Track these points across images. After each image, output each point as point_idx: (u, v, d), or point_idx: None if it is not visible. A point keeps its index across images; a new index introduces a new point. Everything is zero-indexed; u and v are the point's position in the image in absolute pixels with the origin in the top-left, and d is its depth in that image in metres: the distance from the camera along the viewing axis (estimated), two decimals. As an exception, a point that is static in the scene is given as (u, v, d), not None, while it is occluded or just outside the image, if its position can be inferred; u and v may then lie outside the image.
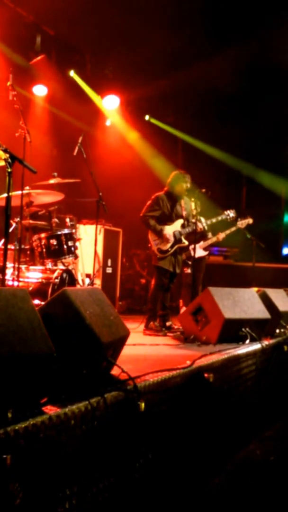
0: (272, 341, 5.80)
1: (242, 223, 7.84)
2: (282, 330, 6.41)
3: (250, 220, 7.87)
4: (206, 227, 7.39)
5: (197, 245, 7.78)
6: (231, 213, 7.58)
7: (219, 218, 7.52)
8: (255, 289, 6.45)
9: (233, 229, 7.93)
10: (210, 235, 8.10)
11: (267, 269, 10.10)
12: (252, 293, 6.20)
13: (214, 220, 7.48)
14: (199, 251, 7.98)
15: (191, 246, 7.31)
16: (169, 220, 6.93)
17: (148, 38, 9.16)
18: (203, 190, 7.33)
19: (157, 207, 6.89)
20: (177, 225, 6.95)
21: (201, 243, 7.99)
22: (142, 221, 6.94)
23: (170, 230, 6.89)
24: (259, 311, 6.00)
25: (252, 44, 9.38)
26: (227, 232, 8.00)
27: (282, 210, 13.03)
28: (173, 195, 7.01)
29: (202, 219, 7.24)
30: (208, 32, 9.50)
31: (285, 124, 11.69)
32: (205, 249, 8.10)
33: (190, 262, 7.98)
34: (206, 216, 7.64)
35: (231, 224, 7.88)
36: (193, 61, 9.86)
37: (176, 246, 6.88)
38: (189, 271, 8.14)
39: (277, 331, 6.37)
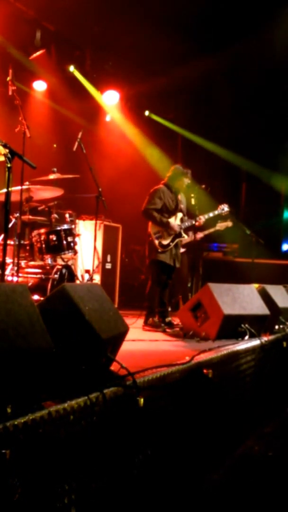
0: (271, 337, 5.81)
1: (221, 226, 7.77)
2: (281, 326, 6.41)
3: (229, 224, 7.77)
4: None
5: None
6: (225, 208, 7.48)
7: (215, 212, 7.46)
8: (255, 285, 6.46)
9: (212, 230, 7.86)
10: (190, 234, 8.09)
11: (267, 265, 10.09)
12: (251, 289, 6.21)
13: (211, 215, 7.44)
14: None
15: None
16: (170, 213, 6.90)
17: (148, 34, 9.13)
18: (203, 186, 7.34)
19: (158, 199, 6.83)
20: (177, 219, 6.94)
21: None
22: (145, 215, 6.84)
23: (172, 223, 6.88)
24: (258, 307, 6.00)
25: (252, 41, 9.37)
26: (206, 232, 7.95)
27: (281, 207, 13.02)
28: (172, 189, 6.98)
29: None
30: (208, 28, 9.48)
31: (285, 121, 11.67)
32: (183, 246, 8.06)
33: None
34: (204, 211, 7.64)
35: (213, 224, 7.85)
36: (193, 57, 9.83)
37: (176, 240, 6.87)
38: None
39: (276, 327, 6.37)
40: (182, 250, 8.05)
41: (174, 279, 7.56)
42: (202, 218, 7.18)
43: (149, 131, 11.84)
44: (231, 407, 4.73)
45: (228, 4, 9.04)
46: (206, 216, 7.38)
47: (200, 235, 7.96)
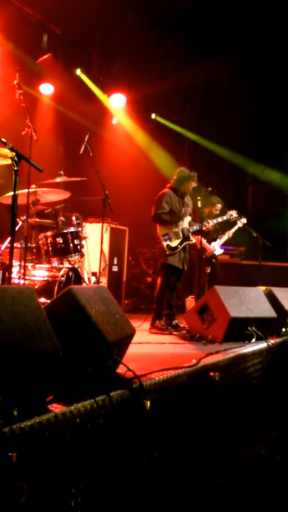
0: (278, 340, 5.80)
1: (241, 222, 7.92)
2: (288, 329, 6.40)
3: (244, 220, 7.96)
4: (217, 226, 7.53)
5: (215, 243, 7.90)
6: (234, 213, 7.69)
7: (224, 217, 7.61)
8: (262, 288, 6.45)
9: (236, 227, 8.03)
10: (228, 232, 8.19)
11: (273, 268, 10.07)
12: (258, 291, 6.19)
13: (219, 220, 7.54)
14: (219, 249, 8.04)
15: (210, 245, 7.40)
16: (177, 217, 6.90)
17: (154, 37, 9.14)
18: (209, 188, 7.35)
19: (166, 204, 6.85)
20: (185, 222, 6.94)
21: (218, 241, 8.05)
22: (156, 220, 6.87)
23: (180, 226, 6.89)
24: (265, 310, 5.99)
25: (258, 42, 9.37)
26: (233, 230, 8.08)
27: (288, 209, 13.00)
28: (179, 192, 6.99)
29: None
30: (214, 30, 9.48)
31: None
32: (220, 247, 8.17)
33: (214, 261, 8.05)
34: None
35: (231, 223, 7.96)
36: (199, 59, 9.83)
37: (184, 243, 6.87)
38: (208, 270, 8.16)
39: (283, 330, 6.35)
40: (221, 251, 8.17)
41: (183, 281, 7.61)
42: (210, 223, 7.21)
43: (155, 133, 11.85)
44: (238, 410, 4.72)
45: (234, 6, 9.03)
46: (215, 221, 7.44)
47: (231, 232, 8.09)
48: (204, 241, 7.36)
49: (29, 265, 6.11)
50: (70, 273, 6.10)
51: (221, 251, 8.23)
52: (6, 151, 4.40)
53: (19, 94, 5.63)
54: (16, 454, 2.15)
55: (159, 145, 11.88)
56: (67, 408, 2.55)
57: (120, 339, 3.35)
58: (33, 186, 6.09)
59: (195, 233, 7.01)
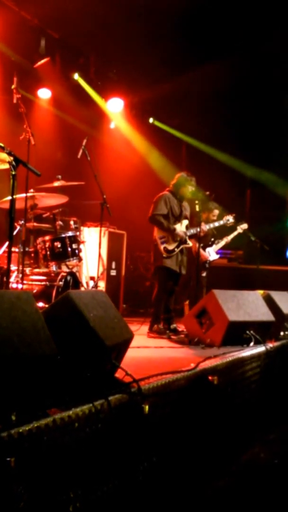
0: (276, 344, 5.80)
1: (241, 227, 7.96)
2: (286, 332, 6.39)
3: (245, 225, 8.01)
4: (215, 231, 7.53)
5: (211, 249, 7.91)
6: (230, 218, 7.71)
7: (221, 222, 7.64)
8: (260, 291, 6.45)
9: (236, 233, 8.04)
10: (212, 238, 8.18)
11: (272, 272, 10.07)
12: (256, 295, 6.20)
13: (216, 224, 7.57)
14: (214, 255, 8.05)
15: (205, 251, 7.40)
16: (175, 219, 6.90)
17: (152, 41, 9.16)
18: (207, 192, 7.36)
19: (164, 205, 6.85)
20: (182, 226, 6.94)
21: (214, 246, 8.06)
22: (152, 221, 6.85)
23: (177, 229, 6.89)
24: (264, 314, 5.99)
25: (257, 45, 9.39)
26: (232, 236, 8.09)
27: (286, 213, 13.01)
28: (177, 195, 7.00)
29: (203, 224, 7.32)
30: (212, 35, 9.51)
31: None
32: (216, 252, 8.19)
33: (207, 266, 8.06)
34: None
35: (230, 228, 7.98)
36: (198, 63, 9.85)
37: (181, 246, 6.87)
38: (204, 274, 8.18)
39: (282, 333, 6.36)
40: (217, 256, 8.17)
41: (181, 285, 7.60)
42: (206, 227, 7.23)
43: (153, 138, 11.86)
44: (237, 414, 4.72)
45: (232, 10, 9.06)
46: (211, 225, 7.45)
47: (229, 238, 8.09)
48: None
49: (27, 269, 6.11)
50: (68, 278, 6.09)
51: (217, 256, 8.24)
52: (4, 155, 4.40)
53: (17, 99, 5.64)
54: (14, 459, 2.15)
55: (157, 149, 11.89)
56: (66, 412, 2.55)
57: (119, 343, 3.34)
58: (31, 190, 6.09)
59: (192, 237, 7.02)
